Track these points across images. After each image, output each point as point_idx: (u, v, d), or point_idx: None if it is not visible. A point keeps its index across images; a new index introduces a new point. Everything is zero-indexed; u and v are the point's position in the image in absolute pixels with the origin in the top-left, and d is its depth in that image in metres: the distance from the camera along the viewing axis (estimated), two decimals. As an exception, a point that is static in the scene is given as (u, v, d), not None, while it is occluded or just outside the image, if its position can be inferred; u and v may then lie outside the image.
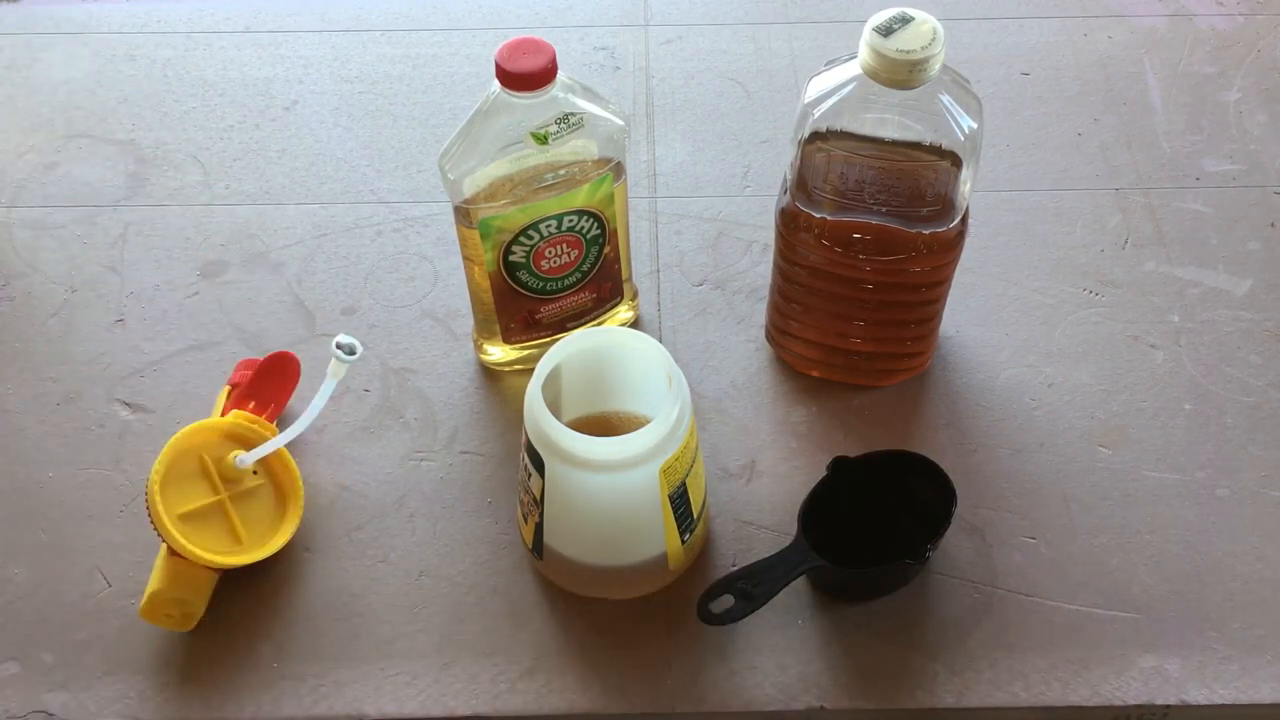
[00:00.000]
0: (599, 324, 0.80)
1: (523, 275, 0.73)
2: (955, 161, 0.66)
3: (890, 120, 0.66)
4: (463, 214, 0.71)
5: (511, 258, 0.72)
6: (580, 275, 0.76)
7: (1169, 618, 0.69)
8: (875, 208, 0.69)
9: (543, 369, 0.64)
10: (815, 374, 0.80)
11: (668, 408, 0.63)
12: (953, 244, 0.71)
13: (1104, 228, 0.88)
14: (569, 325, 0.78)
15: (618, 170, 0.72)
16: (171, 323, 0.84)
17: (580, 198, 0.71)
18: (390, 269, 0.87)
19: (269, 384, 0.76)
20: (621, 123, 0.70)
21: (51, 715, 0.66)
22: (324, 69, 1.00)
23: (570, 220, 0.72)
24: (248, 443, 0.71)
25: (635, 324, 0.83)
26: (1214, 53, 1.01)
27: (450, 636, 0.69)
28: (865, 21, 0.63)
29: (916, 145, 0.66)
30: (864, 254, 0.71)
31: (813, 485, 0.70)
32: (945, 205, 0.69)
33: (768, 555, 0.67)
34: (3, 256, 0.88)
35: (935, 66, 0.63)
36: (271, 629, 0.69)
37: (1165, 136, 0.94)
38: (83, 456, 0.77)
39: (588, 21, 1.04)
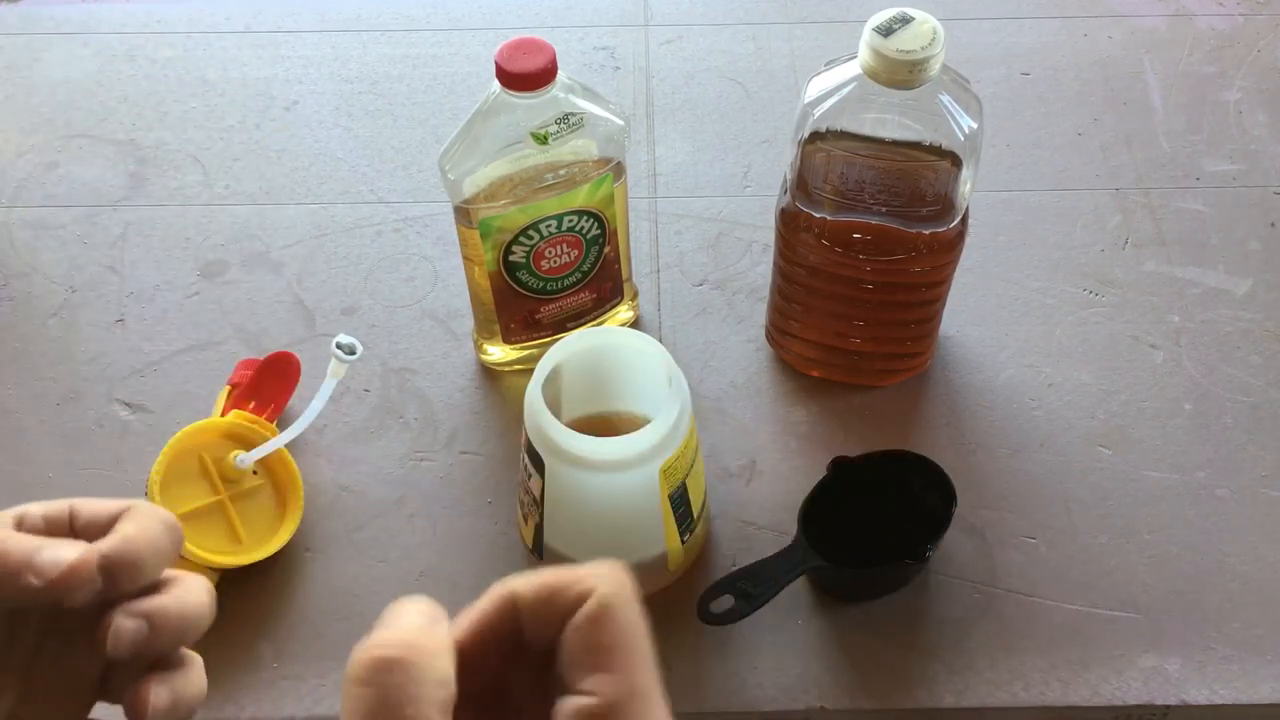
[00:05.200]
0: (599, 324, 0.80)
1: (523, 275, 0.73)
2: (955, 161, 0.66)
3: (890, 120, 0.66)
4: (463, 214, 0.71)
5: (511, 258, 0.72)
6: (580, 275, 0.76)
7: (1169, 618, 0.69)
8: (875, 208, 0.69)
9: (543, 369, 0.64)
10: (815, 374, 0.80)
11: (668, 408, 0.63)
12: (953, 244, 0.71)
13: (1104, 228, 0.88)
14: (569, 325, 0.78)
15: (618, 170, 0.72)
16: (171, 323, 0.84)
17: (580, 198, 0.71)
18: (390, 269, 0.87)
19: (269, 384, 0.75)
20: (621, 123, 0.70)
21: (51, 715, 0.66)
22: (324, 69, 1.00)
23: (570, 220, 0.72)
24: (248, 443, 0.71)
25: (635, 324, 0.83)
26: (1214, 53, 1.01)
27: (450, 636, 0.69)
28: (865, 21, 0.63)
29: (916, 145, 0.66)
30: (864, 254, 0.71)
31: (813, 485, 0.70)
32: (945, 205, 0.69)
33: (768, 555, 0.67)
34: (3, 256, 0.88)
35: (935, 66, 0.63)
36: (271, 629, 0.69)
37: (1165, 136, 0.94)
38: (83, 456, 0.77)
39: (588, 21, 1.04)
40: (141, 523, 0.39)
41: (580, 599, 0.34)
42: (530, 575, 0.35)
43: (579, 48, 1.01)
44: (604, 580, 0.35)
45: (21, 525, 0.40)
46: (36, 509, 0.41)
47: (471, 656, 0.35)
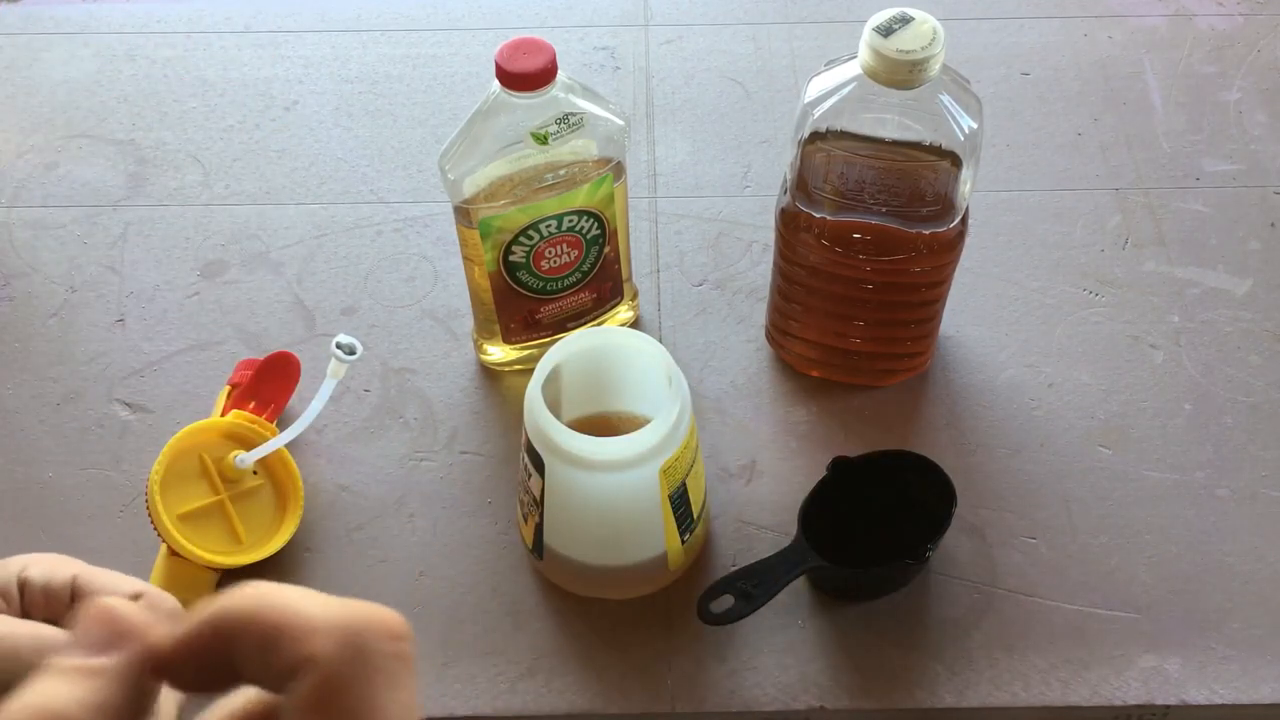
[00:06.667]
0: (599, 324, 0.80)
1: (523, 275, 0.73)
2: (955, 161, 0.66)
3: (890, 120, 0.65)
4: (463, 214, 0.71)
5: (511, 258, 0.72)
6: (580, 275, 0.76)
7: (1169, 618, 0.69)
8: (875, 208, 0.69)
9: (543, 369, 0.64)
10: (815, 374, 0.80)
11: (668, 408, 0.63)
12: (953, 244, 0.71)
13: (1104, 228, 0.88)
14: (569, 325, 0.78)
15: (618, 170, 0.72)
16: (171, 323, 0.84)
17: (580, 198, 0.71)
18: (390, 269, 0.87)
19: (269, 384, 0.75)
20: (621, 123, 0.70)
21: (51, 715, 0.66)
22: (324, 69, 1.00)
23: (570, 220, 0.72)
24: (248, 443, 0.71)
25: (635, 324, 0.83)
26: (1214, 53, 1.01)
27: (450, 636, 0.69)
28: (865, 21, 0.63)
29: (916, 145, 0.66)
30: (864, 254, 0.71)
31: (813, 485, 0.70)
32: (945, 205, 0.69)
33: (768, 555, 0.67)
34: (3, 256, 0.88)
35: (935, 66, 0.63)
36: (271, 629, 0.69)
37: (1165, 136, 0.94)
38: (83, 456, 0.77)
39: (588, 21, 1.04)
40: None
41: (298, 662, 0.28)
42: (251, 605, 0.29)
43: (579, 48, 1.01)
44: (330, 646, 0.28)
45: (24, 591, 0.39)
46: (38, 577, 0.39)
47: (183, 666, 0.30)
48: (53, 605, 0.39)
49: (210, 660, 0.30)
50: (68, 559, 0.41)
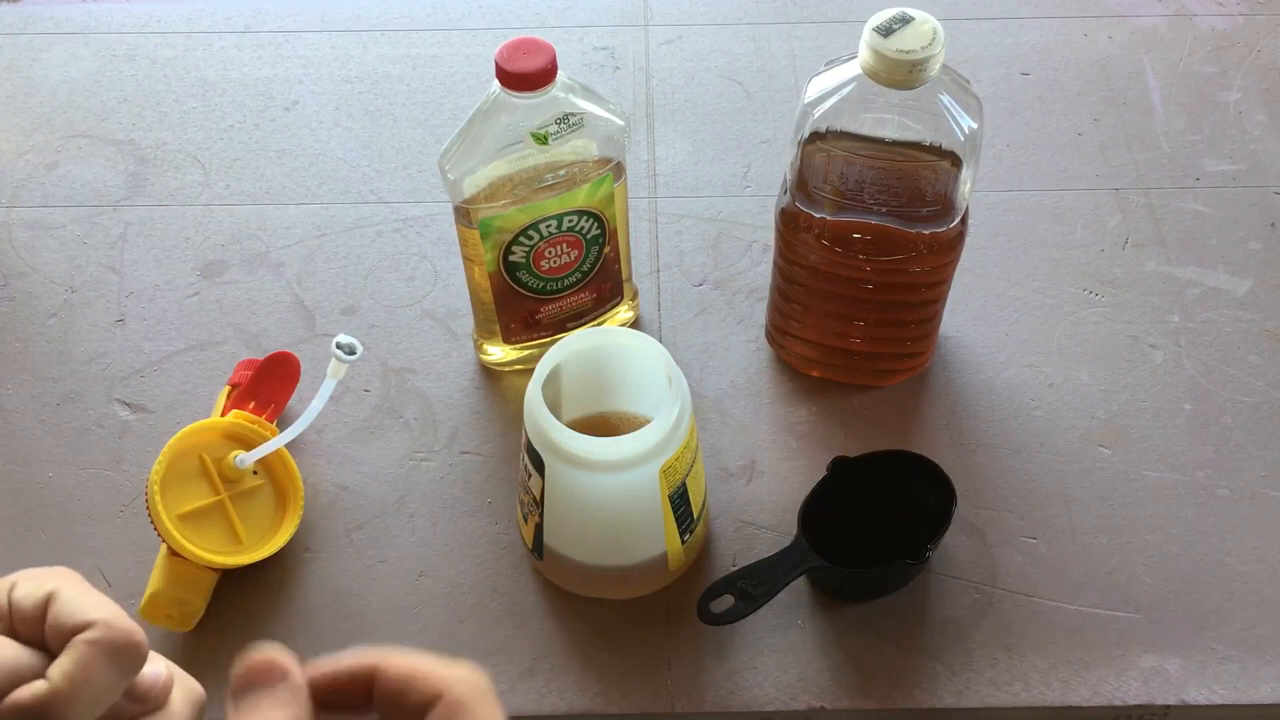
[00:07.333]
0: (599, 324, 0.80)
1: (523, 275, 0.73)
2: (955, 161, 0.66)
3: (890, 120, 0.66)
4: (463, 214, 0.71)
5: (511, 258, 0.72)
6: (580, 275, 0.76)
7: (1169, 618, 0.69)
8: (875, 208, 0.69)
9: (543, 369, 0.64)
10: (815, 374, 0.80)
11: (668, 408, 0.63)
12: (953, 244, 0.71)
13: (1104, 228, 0.88)
14: (569, 325, 0.78)
15: (618, 170, 0.72)
16: (171, 323, 0.84)
17: (580, 198, 0.71)
18: (390, 269, 0.87)
19: (269, 384, 0.76)
20: (621, 123, 0.70)
21: (51, 715, 0.66)
22: (324, 69, 1.00)
23: (570, 220, 0.72)
24: (248, 443, 0.71)
25: (635, 324, 0.83)
26: (1214, 53, 1.01)
27: (450, 636, 0.69)
28: (865, 21, 0.63)
29: (916, 145, 0.66)
30: (864, 254, 0.71)
31: (813, 485, 0.70)
32: (945, 205, 0.69)
33: (768, 555, 0.67)
34: (3, 256, 0.88)
35: (935, 66, 0.63)
36: (271, 629, 0.69)
37: (1165, 136, 0.94)
38: (83, 456, 0.77)
39: (588, 21, 1.04)
40: (82, 662, 0.38)
41: (429, 700, 0.36)
42: (397, 657, 0.38)
43: (579, 48, 1.01)
44: (458, 683, 0.36)
45: (11, 607, 0.39)
46: (19, 596, 0.39)
47: (317, 700, 0.38)
48: (28, 624, 0.39)
49: (345, 697, 0.38)
50: (57, 574, 0.41)
